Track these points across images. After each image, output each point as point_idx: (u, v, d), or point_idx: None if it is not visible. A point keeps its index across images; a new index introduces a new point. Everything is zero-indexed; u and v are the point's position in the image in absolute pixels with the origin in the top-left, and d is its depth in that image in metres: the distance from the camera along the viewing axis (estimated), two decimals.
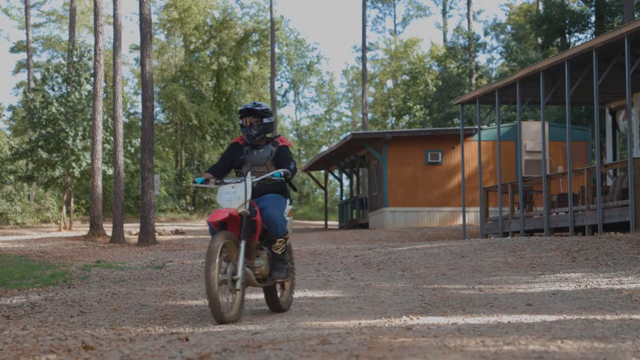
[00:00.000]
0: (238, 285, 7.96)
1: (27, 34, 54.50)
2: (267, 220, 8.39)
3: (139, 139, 33.92)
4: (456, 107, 45.42)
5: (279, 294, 8.88)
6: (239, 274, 7.98)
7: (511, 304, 8.78)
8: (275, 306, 8.82)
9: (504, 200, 24.02)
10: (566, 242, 15.82)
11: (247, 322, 7.85)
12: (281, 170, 8.33)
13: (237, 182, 8.27)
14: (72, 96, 35.56)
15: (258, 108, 8.59)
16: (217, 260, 7.64)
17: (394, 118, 61.39)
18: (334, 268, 13.99)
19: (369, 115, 62.12)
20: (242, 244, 8.06)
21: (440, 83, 50.48)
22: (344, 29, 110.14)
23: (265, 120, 8.67)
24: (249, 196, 8.16)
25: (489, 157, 30.86)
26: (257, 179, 8.33)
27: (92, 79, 33.55)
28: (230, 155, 8.83)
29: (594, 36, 37.75)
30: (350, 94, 74.52)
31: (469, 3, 58.16)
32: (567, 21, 38.43)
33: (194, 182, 8.56)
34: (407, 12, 70.06)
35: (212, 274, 7.58)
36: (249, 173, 8.36)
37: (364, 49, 55.00)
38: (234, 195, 8.17)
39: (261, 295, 10.51)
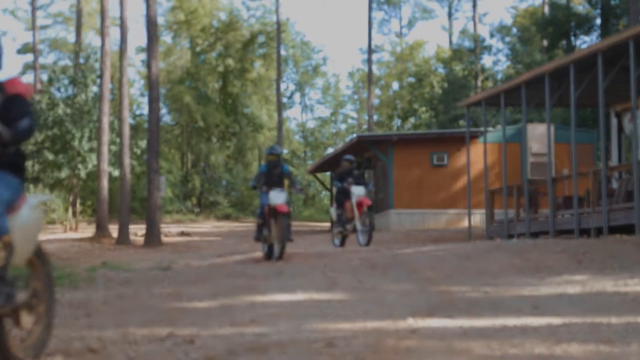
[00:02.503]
0: None
1: (33, 36, 54.60)
2: None
3: (145, 141, 33.96)
4: (462, 110, 45.37)
5: (19, 334, 5.46)
6: None
7: (517, 306, 8.78)
8: (5, 353, 5.19)
9: (510, 203, 23.99)
10: (572, 244, 15.80)
11: (252, 324, 7.85)
12: None
13: None
14: (79, 98, 35.61)
15: None
16: None
17: (399, 120, 61.31)
18: (340, 270, 13.99)
19: (375, 117, 61.97)
20: None
21: (445, 85, 50.46)
22: (350, 31, 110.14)
23: None
24: None
25: (495, 159, 30.79)
26: None
27: (98, 80, 33.60)
28: None
29: (599, 39, 37.70)
30: (356, 96, 74.42)
31: (474, 5, 58.12)
32: (572, 24, 38.39)
33: None
34: (413, 14, 69.89)
35: None
36: None
37: (370, 51, 54.95)
38: None
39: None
